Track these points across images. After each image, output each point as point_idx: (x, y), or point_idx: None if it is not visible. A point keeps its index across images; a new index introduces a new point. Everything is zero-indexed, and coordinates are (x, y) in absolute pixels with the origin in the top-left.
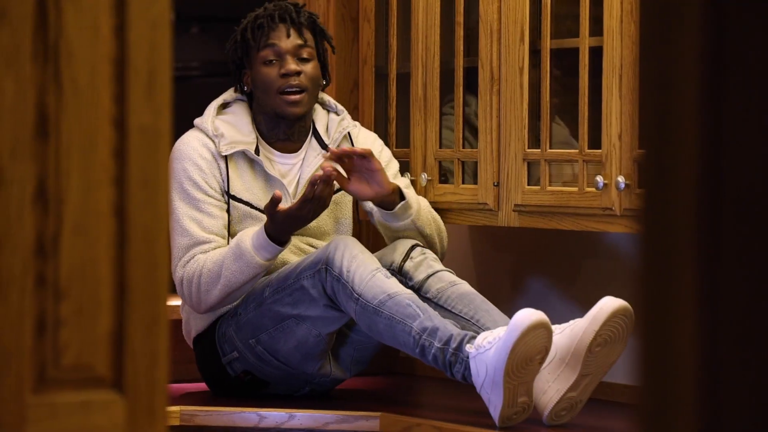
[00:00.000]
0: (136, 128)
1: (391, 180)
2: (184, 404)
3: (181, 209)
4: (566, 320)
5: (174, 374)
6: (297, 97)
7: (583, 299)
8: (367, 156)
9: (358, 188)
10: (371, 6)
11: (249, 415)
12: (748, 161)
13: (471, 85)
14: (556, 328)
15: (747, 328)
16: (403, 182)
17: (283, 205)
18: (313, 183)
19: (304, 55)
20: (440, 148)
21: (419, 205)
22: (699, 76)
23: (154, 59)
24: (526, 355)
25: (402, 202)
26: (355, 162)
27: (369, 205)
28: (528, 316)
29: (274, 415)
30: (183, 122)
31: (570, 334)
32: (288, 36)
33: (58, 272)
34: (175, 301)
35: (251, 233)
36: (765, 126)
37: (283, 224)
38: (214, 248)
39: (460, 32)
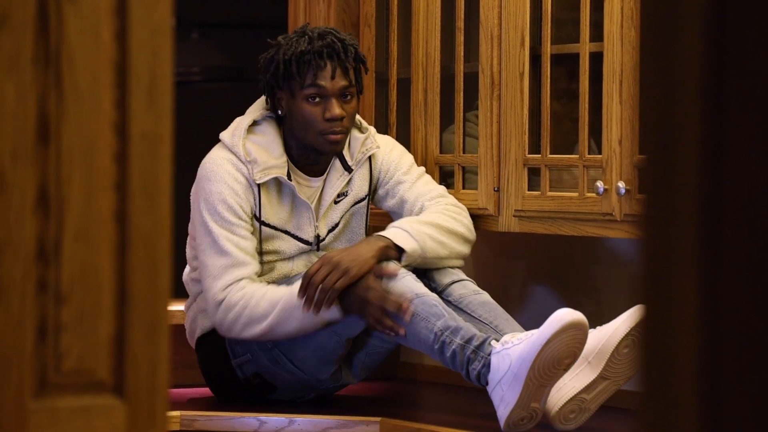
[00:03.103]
0: (138, 134)
1: (410, 183)
2: (184, 409)
3: (216, 231)
4: None
5: (174, 379)
6: (339, 137)
7: (583, 305)
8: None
9: None
10: (371, 11)
11: (249, 420)
12: (749, 166)
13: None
14: None
15: (748, 333)
16: (418, 181)
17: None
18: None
19: (347, 96)
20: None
21: (418, 247)
22: (700, 82)
23: (155, 65)
24: (557, 355)
25: (403, 259)
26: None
27: (387, 206)
28: (570, 313)
29: (274, 420)
30: (184, 128)
31: (598, 333)
32: (334, 77)
33: (59, 277)
34: (175, 306)
35: None
36: (766, 130)
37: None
38: (255, 273)
39: (460, 37)
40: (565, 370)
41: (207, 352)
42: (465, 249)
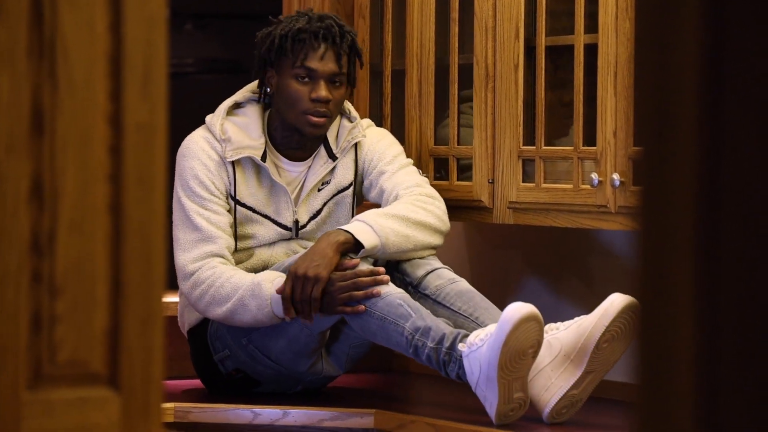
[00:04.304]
0: (132, 125)
1: (391, 173)
2: (178, 401)
3: (188, 205)
4: (561, 317)
5: (169, 371)
6: (321, 120)
7: (577, 296)
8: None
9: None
10: (366, 2)
11: (243, 412)
12: (746, 158)
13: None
14: (560, 325)
15: (745, 325)
16: (399, 171)
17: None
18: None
19: (337, 82)
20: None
21: (380, 242)
22: (696, 72)
23: (149, 56)
24: (519, 349)
25: (360, 253)
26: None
27: (371, 197)
28: (518, 309)
29: (269, 412)
30: (178, 119)
31: (577, 329)
32: (325, 60)
33: (53, 269)
34: (170, 298)
35: (274, 278)
36: (763, 123)
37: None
38: (226, 248)
39: (455, 29)
40: (533, 357)
41: (195, 346)
42: (434, 240)
